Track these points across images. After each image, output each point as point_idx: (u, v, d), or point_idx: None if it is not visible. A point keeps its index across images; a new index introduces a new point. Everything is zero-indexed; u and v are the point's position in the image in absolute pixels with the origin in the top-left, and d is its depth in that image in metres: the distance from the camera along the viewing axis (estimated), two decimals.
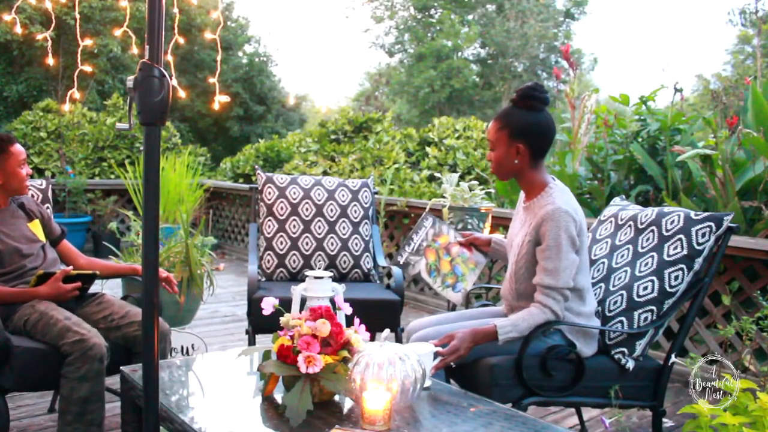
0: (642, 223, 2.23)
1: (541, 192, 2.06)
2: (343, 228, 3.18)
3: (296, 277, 3.10)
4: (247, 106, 16.66)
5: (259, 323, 2.80)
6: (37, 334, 2.16)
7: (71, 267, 2.48)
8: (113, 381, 2.29)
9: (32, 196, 2.68)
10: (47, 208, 2.70)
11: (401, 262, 2.22)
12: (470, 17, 24.25)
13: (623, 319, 2.07)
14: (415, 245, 2.24)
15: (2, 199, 2.42)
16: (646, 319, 2.06)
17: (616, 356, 2.06)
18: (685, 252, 2.06)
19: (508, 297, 2.18)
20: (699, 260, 2.06)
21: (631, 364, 2.06)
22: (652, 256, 2.12)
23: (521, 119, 2.01)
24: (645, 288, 2.07)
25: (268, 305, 1.71)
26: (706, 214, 2.09)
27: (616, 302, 2.11)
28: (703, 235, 2.05)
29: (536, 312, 1.95)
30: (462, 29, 23.02)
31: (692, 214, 2.11)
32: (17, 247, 2.34)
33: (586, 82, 22.44)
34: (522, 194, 2.19)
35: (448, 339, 1.93)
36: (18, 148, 2.39)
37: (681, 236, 2.08)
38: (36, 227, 2.48)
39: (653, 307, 2.05)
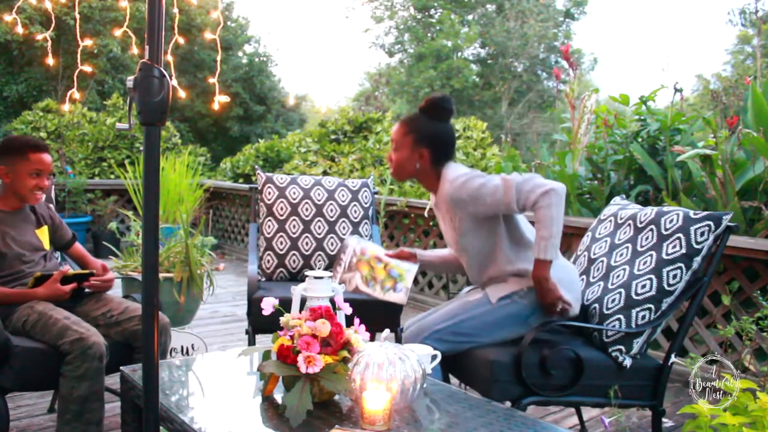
0: (641, 222, 2.23)
1: (441, 180, 2.15)
2: (343, 228, 3.19)
3: (296, 277, 3.10)
4: (247, 106, 16.66)
5: (259, 323, 2.80)
6: (36, 334, 2.15)
7: (68, 267, 2.48)
8: (113, 381, 2.29)
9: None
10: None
11: (337, 283, 2.24)
12: (470, 17, 24.25)
13: (621, 317, 2.08)
14: (345, 264, 2.27)
15: (17, 200, 2.40)
16: (644, 317, 2.06)
17: (613, 354, 2.07)
18: (683, 251, 2.06)
19: (476, 280, 2.25)
20: (697, 259, 2.06)
21: (628, 362, 2.06)
22: (651, 255, 2.12)
23: (427, 127, 2.14)
24: (643, 286, 2.08)
25: (268, 305, 1.71)
26: (705, 213, 2.10)
27: (614, 300, 2.11)
28: (702, 234, 2.06)
29: (543, 212, 1.95)
30: (462, 29, 23.03)
31: (691, 213, 2.12)
32: (20, 254, 2.34)
33: (586, 82, 22.45)
34: (432, 196, 2.28)
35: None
36: (40, 157, 2.33)
37: (680, 235, 2.08)
38: (43, 234, 2.48)
39: (651, 306, 2.06)
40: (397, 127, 2.19)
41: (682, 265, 2.06)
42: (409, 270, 2.25)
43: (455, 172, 2.12)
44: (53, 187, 2.82)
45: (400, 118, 2.22)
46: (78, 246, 2.63)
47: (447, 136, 2.16)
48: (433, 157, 2.15)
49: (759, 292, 3.11)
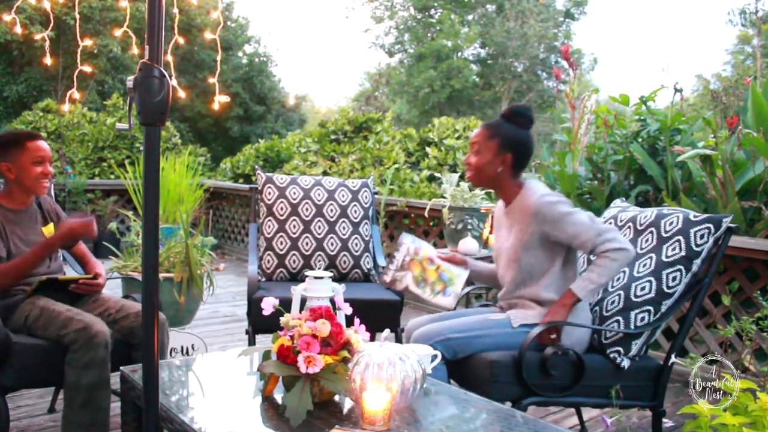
0: (641, 225, 2.23)
1: (519, 193, 2.15)
2: (343, 228, 3.18)
3: (296, 277, 3.10)
4: (247, 106, 16.67)
5: (259, 323, 2.80)
6: (38, 329, 2.16)
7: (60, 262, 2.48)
8: (113, 381, 2.29)
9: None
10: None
11: (388, 281, 2.24)
12: (470, 17, 24.26)
13: (620, 318, 2.08)
14: (398, 262, 2.27)
15: (23, 197, 2.38)
16: (643, 319, 2.06)
17: (611, 355, 2.07)
18: (683, 253, 2.06)
19: (506, 296, 2.23)
20: (697, 262, 2.07)
21: (626, 363, 2.06)
22: (651, 257, 2.12)
23: (512, 133, 2.15)
24: (642, 288, 2.08)
25: (268, 305, 1.71)
26: (705, 215, 2.10)
27: (613, 302, 2.11)
28: (702, 236, 2.06)
29: (607, 262, 1.97)
30: (462, 29, 23.04)
31: (691, 215, 2.11)
32: (25, 252, 2.34)
33: (586, 82, 22.45)
34: (500, 204, 2.28)
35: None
36: (37, 144, 2.33)
37: (679, 237, 2.08)
38: (49, 231, 2.47)
39: (650, 308, 2.06)
40: (479, 131, 2.18)
41: (681, 267, 2.06)
42: (460, 275, 2.25)
43: (543, 188, 2.13)
44: (53, 187, 2.82)
45: (482, 124, 2.24)
46: (81, 245, 2.63)
47: (530, 143, 2.18)
48: (516, 163, 2.15)
49: (759, 292, 3.11)
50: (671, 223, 2.13)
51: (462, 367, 2.13)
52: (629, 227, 2.28)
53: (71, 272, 2.69)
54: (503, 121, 2.18)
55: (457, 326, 2.11)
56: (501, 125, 2.17)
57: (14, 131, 2.42)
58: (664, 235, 2.13)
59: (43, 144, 2.35)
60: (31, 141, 2.33)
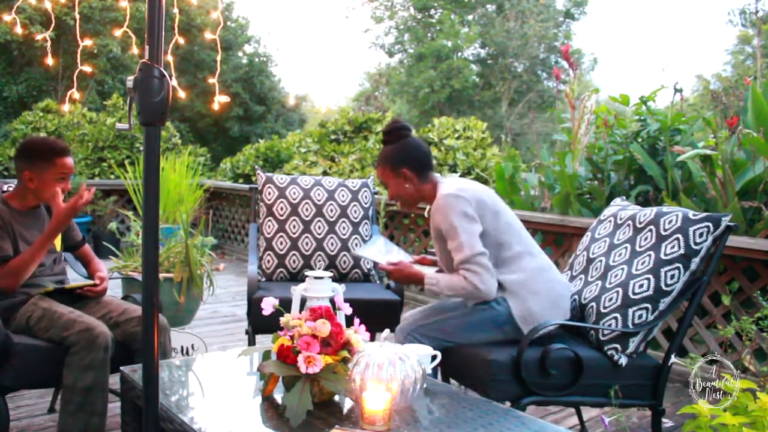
0: (640, 223, 2.24)
1: (434, 197, 2.22)
2: (343, 228, 3.19)
3: (296, 277, 3.10)
4: (247, 106, 16.67)
5: (259, 323, 2.80)
6: (40, 330, 2.16)
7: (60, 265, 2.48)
8: (113, 381, 2.29)
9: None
10: None
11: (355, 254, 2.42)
12: (470, 17, 24.26)
13: (617, 315, 2.08)
14: (367, 252, 2.40)
15: (34, 201, 2.37)
16: (640, 316, 2.06)
17: (609, 352, 2.07)
18: (682, 251, 2.06)
19: None
20: (696, 260, 2.07)
21: (624, 361, 2.06)
22: (650, 255, 2.12)
23: (392, 152, 2.25)
24: (641, 286, 2.08)
25: (268, 305, 1.71)
26: (704, 214, 2.10)
27: (611, 299, 2.12)
28: (701, 235, 2.06)
29: (456, 279, 2.09)
30: (462, 29, 23.03)
31: (690, 214, 2.12)
32: None
33: (586, 82, 22.45)
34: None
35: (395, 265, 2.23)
36: (65, 161, 2.28)
37: (678, 235, 2.08)
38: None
39: (648, 305, 2.06)
40: (377, 171, 2.30)
41: (680, 265, 2.06)
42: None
43: (448, 187, 2.18)
44: None
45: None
46: (86, 248, 2.63)
47: (413, 146, 2.25)
48: (415, 169, 2.22)
49: (759, 292, 3.11)
50: (670, 221, 2.13)
51: (460, 366, 2.14)
52: (629, 225, 2.28)
53: (72, 272, 2.69)
54: (385, 146, 2.28)
55: (422, 314, 2.27)
56: (384, 153, 2.27)
57: (48, 143, 2.30)
58: (663, 233, 2.13)
59: (70, 161, 2.32)
60: (61, 158, 2.28)
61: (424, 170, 2.24)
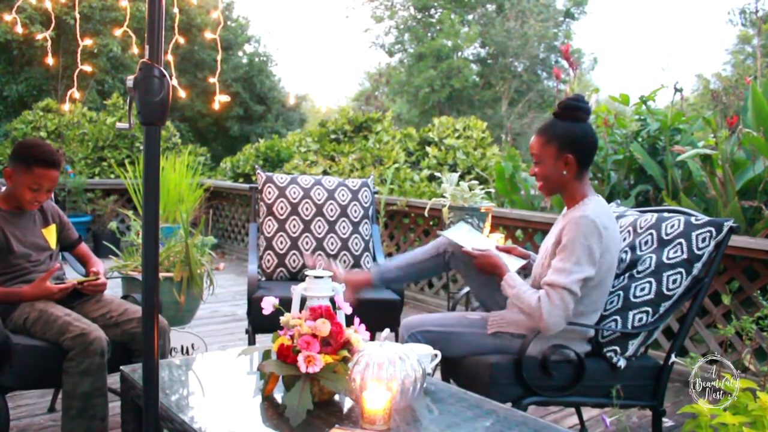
0: (641, 228, 2.23)
1: (579, 202, 2.05)
2: (343, 228, 3.18)
3: (296, 277, 3.10)
4: (247, 105, 16.65)
5: (259, 323, 2.80)
6: (37, 332, 2.16)
7: (57, 265, 2.49)
8: (113, 381, 2.29)
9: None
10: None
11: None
12: (470, 17, 24.24)
13: (617, 318, 2.08)
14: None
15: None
16: (641, 319, 2.06)
17: (607, 354, 2.07)
18: (684, 256, 2.06)
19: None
20: (698, 265, 2.07)
21: (622, 363, 2.06)
22: (651, 258, 2.12)
23: (568, 131, 2.01)
24: (642, 289, 2.08)
25: (268, 305, 1.71)
26: (707, 219, 2.10)
27: (612, 302, 2.11)
28: (704, 240, 2.06)
29: (532, 295, 1.95)
30: (462, 29, 23.01)
31: (692, 218, 2.12)
32: (26, 253, 2.34)
33: (586, 82, 22.45)
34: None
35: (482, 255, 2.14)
36: (44, 173, 2.25)
37: (681, 240, 2.08)
38: (50, 233, 2.46)
39: (649, 309, 2.06)
40: (534, 139, 2.06)
41: (682, 270, 2.06)
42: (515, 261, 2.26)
43: (598, 215, 1.95)
44: None
45: (536, 129, 2.09)
46: (83, 247, 2.63)
47: (589, 136, 2.03)
48: (580, 161, 2.01)
49: (759, 291, 3.11)
50: (672, 226, 2.13)
51: (461, 370, 2.14)
52: (628, 231, 2.28)
53: (72, 272, 2.69)
54: (556, 120, 2.05)
55: (436, 320, 2.18)
56: (554, 126, 2.03)
57: (35, 150, 2.28)
58: (665, 237, 2.12)
59: (52, 174, 2.28)
60: (41, 169, 2.25)
61: (587, 166, 2.05)
